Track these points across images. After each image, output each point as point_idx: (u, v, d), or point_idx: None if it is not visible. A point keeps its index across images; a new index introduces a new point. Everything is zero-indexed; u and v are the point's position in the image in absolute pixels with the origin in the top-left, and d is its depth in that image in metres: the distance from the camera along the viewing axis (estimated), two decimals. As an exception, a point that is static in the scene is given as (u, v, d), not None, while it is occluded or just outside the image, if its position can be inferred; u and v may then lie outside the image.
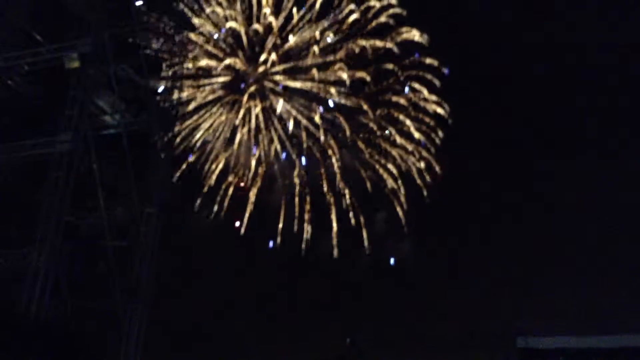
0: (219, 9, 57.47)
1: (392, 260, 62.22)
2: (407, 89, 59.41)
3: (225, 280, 54.82)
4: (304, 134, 59.11)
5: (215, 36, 56.97)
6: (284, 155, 59.72)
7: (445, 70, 59.91)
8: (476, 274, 59.42)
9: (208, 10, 57.95)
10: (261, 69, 58.01)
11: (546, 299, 55.70)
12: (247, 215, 59.96)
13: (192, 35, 55.96)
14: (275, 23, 58.49)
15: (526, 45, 61.87)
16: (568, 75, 61.77)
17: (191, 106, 57.27)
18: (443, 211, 59.34)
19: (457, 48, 57.91)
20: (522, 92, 63.19)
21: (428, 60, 59.54)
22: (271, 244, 59.08)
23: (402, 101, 60.73)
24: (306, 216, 61.13)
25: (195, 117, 57.97)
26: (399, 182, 60.72)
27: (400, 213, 59.29)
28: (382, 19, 59.29)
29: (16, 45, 29.55)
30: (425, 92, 59.85)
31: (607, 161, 59.77)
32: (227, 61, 56.96)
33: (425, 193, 59.95)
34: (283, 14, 58.06)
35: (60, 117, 28.31)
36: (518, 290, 57.64)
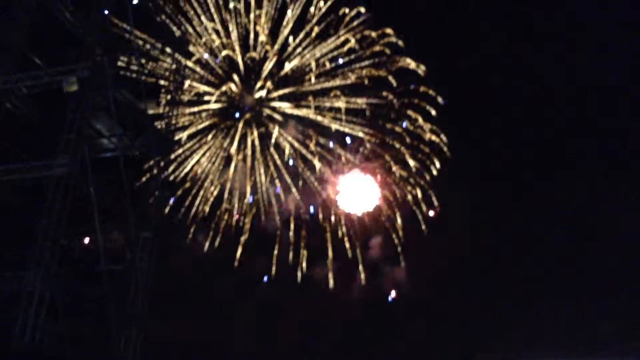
0: (214, 36, 58.10)
1: (389, 298, 62.30)
2: (404, 124, 59.91)
3: (221, 301, 54.75)
4: (299, 161, 59.38)
5: (206, 56, 57.53)
6: (277, 189, 60.03)
7: (441, 101, 60.51)
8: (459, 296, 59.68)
9: (204, 38, 58.59)
10: (257, 95, 58.50)
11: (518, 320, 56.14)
12: (241, 246, 60.08)
13: (189, 63, 56.47)
14: (271, 51, 59.11)
15: (523, 65, 62.50)
16: (568, 96, 62.38)
17: (187, 132, 57.62)
18: (438, 235, 59.46)
19: (454, 69, 58.38)
20: (519, 113, 63.68)
21: (424, 88, 60.28)
22: (265, 278, 59.15)
23: (398, 129, 61.22)
24: (302, 244, 61.21)
25: (191, 143, 58.27)
26: (395, 209, 60.92)
27: (396, 240, 59.45)
28: (377, 47, 60.07)
29: (15, 68, 29.76)
30: (420, 120, 60.39)
31: (606, 185, 60.14)
32: (223, 88, 57.47)
33: (422, 224, 60.22)
34: (279, 40, 58.82)
35: (58, 140, 28.36)
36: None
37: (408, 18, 58.84)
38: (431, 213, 60.47)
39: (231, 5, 58.34)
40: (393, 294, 62.84)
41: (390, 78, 59.88)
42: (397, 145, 60.52)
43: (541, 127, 64.79)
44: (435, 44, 59.23)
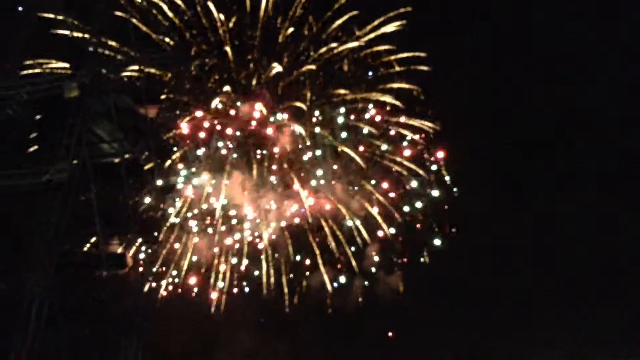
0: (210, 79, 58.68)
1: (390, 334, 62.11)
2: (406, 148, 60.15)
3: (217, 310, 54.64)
4: (295, 179, 59.46)
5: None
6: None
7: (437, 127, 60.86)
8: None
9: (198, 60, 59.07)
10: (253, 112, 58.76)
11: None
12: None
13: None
14: (265, 73, 59.66)
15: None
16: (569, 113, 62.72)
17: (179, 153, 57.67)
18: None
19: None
20: (523, 135, 63.84)
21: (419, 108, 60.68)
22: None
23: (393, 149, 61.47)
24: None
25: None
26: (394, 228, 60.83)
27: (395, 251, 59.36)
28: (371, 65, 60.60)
29: (16, 75, 29.94)
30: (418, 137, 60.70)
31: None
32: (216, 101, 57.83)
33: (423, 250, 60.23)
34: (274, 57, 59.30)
35: (58, 145, 28.34)
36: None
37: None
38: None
39: (223, 29, 58.88)
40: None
41: (388, 99, 60.33)
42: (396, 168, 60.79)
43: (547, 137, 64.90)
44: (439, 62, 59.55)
